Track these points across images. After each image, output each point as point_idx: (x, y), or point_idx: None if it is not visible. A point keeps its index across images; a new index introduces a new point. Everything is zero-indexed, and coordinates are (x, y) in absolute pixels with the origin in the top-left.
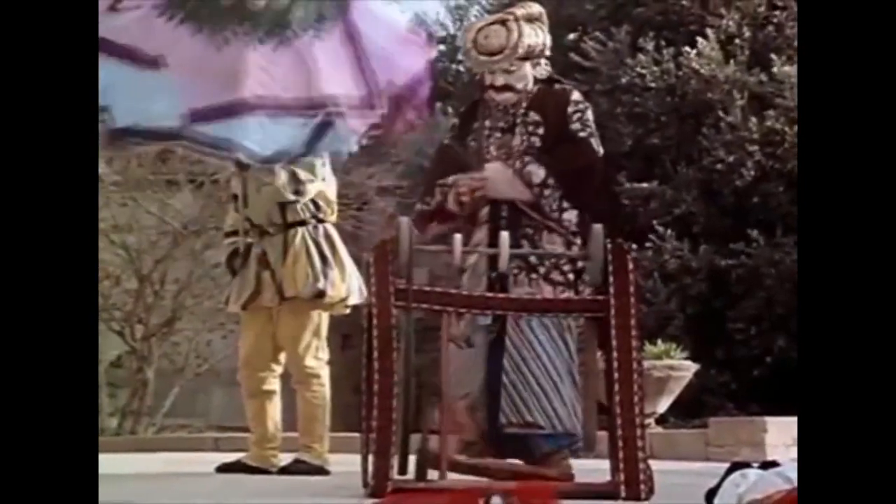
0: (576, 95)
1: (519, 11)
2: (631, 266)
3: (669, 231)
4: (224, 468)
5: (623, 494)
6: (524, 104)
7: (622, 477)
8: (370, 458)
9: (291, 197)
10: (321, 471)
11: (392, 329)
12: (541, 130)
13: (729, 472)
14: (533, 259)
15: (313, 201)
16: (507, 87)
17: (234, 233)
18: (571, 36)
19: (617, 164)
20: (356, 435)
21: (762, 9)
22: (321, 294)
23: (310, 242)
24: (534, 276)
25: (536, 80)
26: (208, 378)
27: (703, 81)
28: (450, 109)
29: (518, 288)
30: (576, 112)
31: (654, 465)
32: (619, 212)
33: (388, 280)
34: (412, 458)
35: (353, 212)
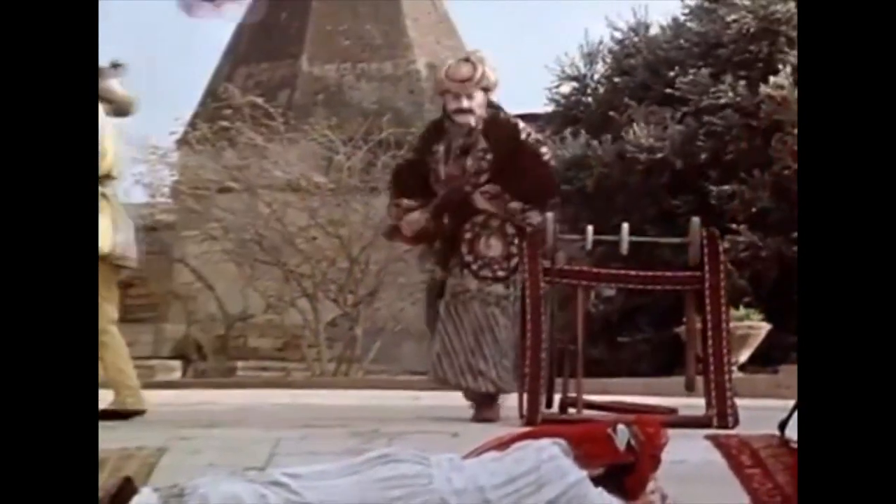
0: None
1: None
2: (720, 248)
3: (745, 226)
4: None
5: (715, 424)
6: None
7: (714, 411)
8: (524, 396)
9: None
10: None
11: (540, 298)
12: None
13: (796, 407)
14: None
15: None
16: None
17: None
18: (671, 73)
19: (702, 172)
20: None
21: None
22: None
23: None
24: (465, 271)
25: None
26: (402, 335)
27: (773, 104)
28: (582, 132)
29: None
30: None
31: (738, 402)
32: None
33: (537, 261)
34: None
35: None
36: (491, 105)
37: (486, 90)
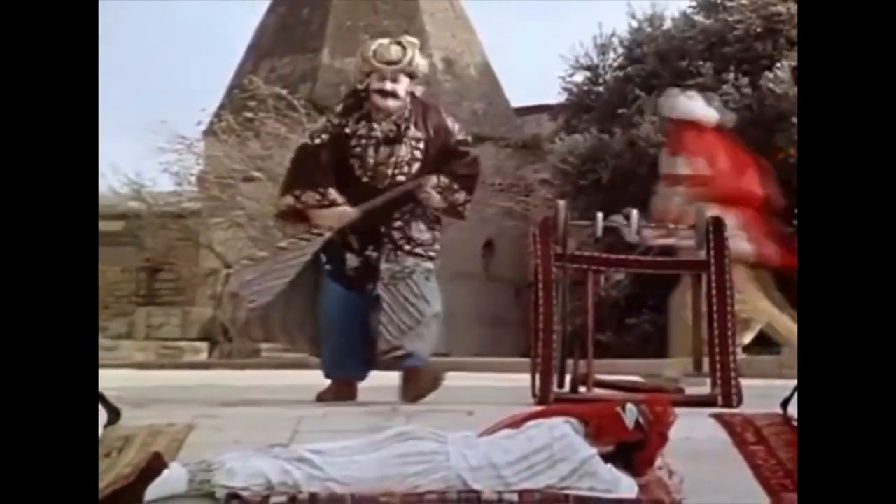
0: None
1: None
2: (725, 234)
3: None
4: None
5: (720, 403)
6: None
7: (719, 390)
8: (537, 376)
9: None
10: None
11: (552, 283)
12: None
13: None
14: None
15: None
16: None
17: None
18: (679, 63)
19: None
20: (527, 360)
21: None
22: None
23: None
24: (399, 253)
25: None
26: None
27: (775, 98)
28: (593, 129)
29: (387, 263)
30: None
31: (742, 382)
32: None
33: (549, 247)
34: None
35: (522, 198)
36: (414, 95)
37: (412, 77)
